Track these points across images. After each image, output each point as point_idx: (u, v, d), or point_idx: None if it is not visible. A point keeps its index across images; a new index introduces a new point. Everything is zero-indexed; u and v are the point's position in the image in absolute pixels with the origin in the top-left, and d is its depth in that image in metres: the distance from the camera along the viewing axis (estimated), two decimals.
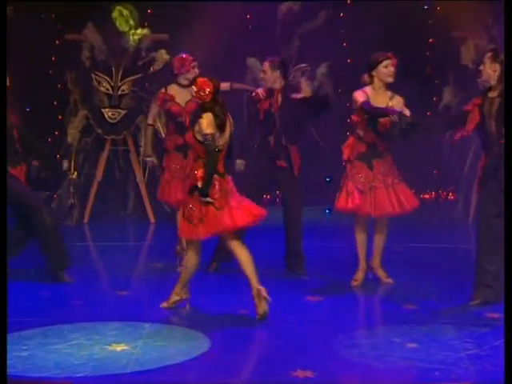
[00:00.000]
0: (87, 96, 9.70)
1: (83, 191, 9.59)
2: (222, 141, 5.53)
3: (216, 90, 5.54)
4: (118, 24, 9.32)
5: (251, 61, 9.71)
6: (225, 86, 7.15)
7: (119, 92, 9.54)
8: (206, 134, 5.43)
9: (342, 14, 10.89)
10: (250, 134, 6.86)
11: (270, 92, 6.71)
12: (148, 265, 7.27)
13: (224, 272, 6.73)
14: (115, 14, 9.32)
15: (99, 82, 9.52)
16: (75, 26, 9.56)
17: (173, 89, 6.96)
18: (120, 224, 9.38)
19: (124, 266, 7.00)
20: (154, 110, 7.13)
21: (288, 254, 6.83)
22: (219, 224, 5.42)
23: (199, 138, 5.47)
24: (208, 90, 5.50)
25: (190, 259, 5.59)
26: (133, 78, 9.54)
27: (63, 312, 5.66)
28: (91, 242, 8.76)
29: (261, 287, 5.39)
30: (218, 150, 5.48)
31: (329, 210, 10.13)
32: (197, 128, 5.51)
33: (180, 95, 6.91)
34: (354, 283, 6.31)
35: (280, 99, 6.68)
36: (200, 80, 5.57)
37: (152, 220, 9.54)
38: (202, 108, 5.52)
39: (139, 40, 9.48)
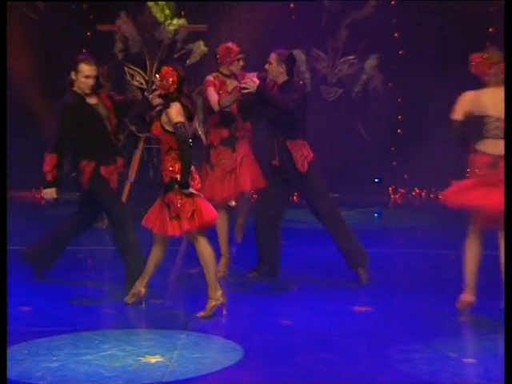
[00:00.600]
0: (120, 91, 9.77)
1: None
2: (190, 131, 5.61)
3: (181, 81, 5.56)
4: (153, 14, 9.38)
5: (295, 53, 9.69)
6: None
7: (153, 86, 9.57)
8: (177, 123, 5.47)
9: (393, 2, 10.83)
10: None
11: (273, 84, 6.64)
12: (184, 271, 7.29)
13: (265, 279, 6.73)
14: (150, 4, 9.38)
15: (132, 76, 9.58)
16: (108, 17, 9.65)
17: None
18: None
19: (158, 273, 7.02)
20: (214, 95, 6.68)
21: (345, 254, 6.58)
22: (209, 214, 5.54)
23: (169, 128, 5.52)
24: (171, 79, 5.54)
25: (205, 253, 5.65)
26: None
27: (94, 321, 5.71)
28: None
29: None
30: (192, 139, 5.56)
31: (377, 213, 10.07)
32: (165, 119, 5.57)
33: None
34: (460, 307, 5.84)
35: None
36: (164, 69, 5.62)
37: None
38: (167, 99, 5.56)
39: (175, 31, 9.52)
